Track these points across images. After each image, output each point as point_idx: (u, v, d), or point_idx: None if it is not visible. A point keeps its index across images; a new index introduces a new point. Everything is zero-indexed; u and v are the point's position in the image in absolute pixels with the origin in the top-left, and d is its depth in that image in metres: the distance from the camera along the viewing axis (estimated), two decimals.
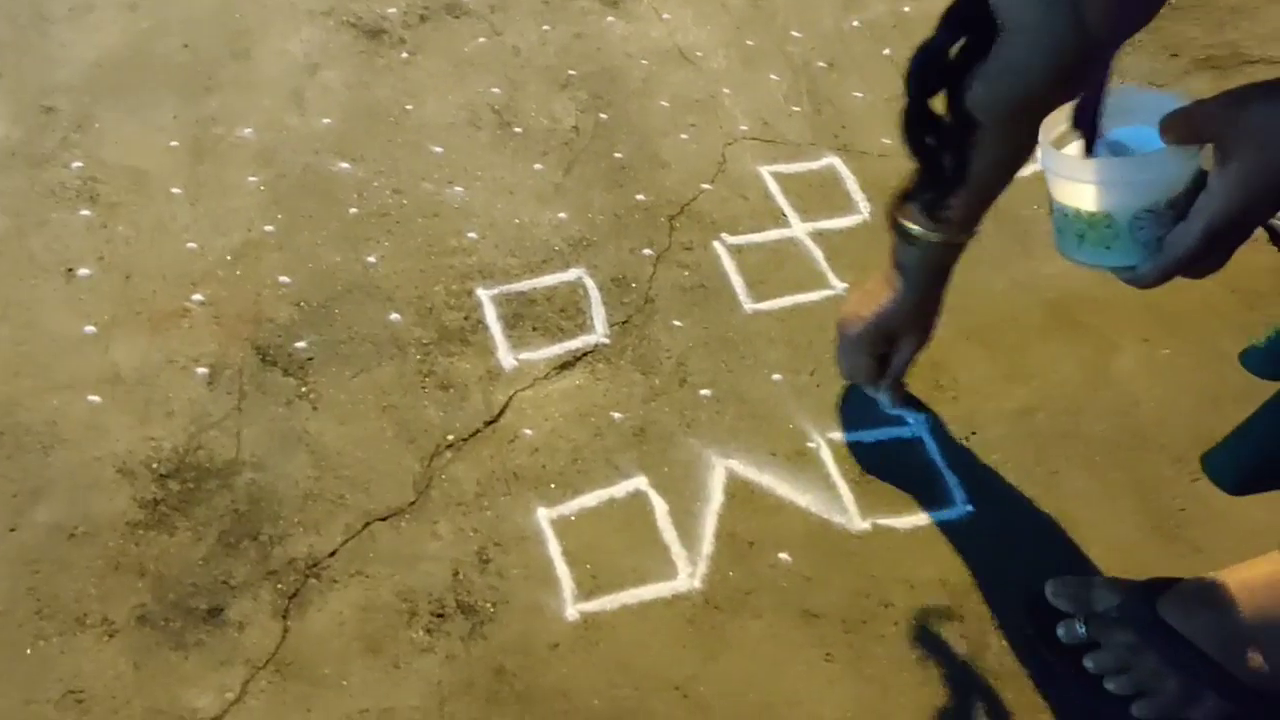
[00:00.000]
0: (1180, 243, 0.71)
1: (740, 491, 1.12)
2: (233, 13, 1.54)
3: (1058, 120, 0.77)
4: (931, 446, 1.16)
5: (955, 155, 0.86)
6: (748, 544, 1.08)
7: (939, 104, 0.84)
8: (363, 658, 0.99)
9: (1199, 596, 0.96)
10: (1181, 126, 0.69)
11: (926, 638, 1.03)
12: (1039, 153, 0.77)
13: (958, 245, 1.02)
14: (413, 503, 1.09)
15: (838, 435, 1.16)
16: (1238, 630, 0.94)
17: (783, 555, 1.08)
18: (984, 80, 0.81)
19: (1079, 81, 0.86)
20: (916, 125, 0.85)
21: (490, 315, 1.24)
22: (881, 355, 1.12)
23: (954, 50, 0.80)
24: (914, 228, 0.99)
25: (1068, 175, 0.74)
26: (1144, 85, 0.75)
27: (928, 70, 0.81)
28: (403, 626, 1.01)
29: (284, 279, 1.25)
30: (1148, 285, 0.76)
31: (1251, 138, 0.66)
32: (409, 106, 1.45)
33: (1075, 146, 0.76)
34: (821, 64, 1.53)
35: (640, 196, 1.37)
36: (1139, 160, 0.72)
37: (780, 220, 1.36)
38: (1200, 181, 0.71)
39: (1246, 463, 0.79)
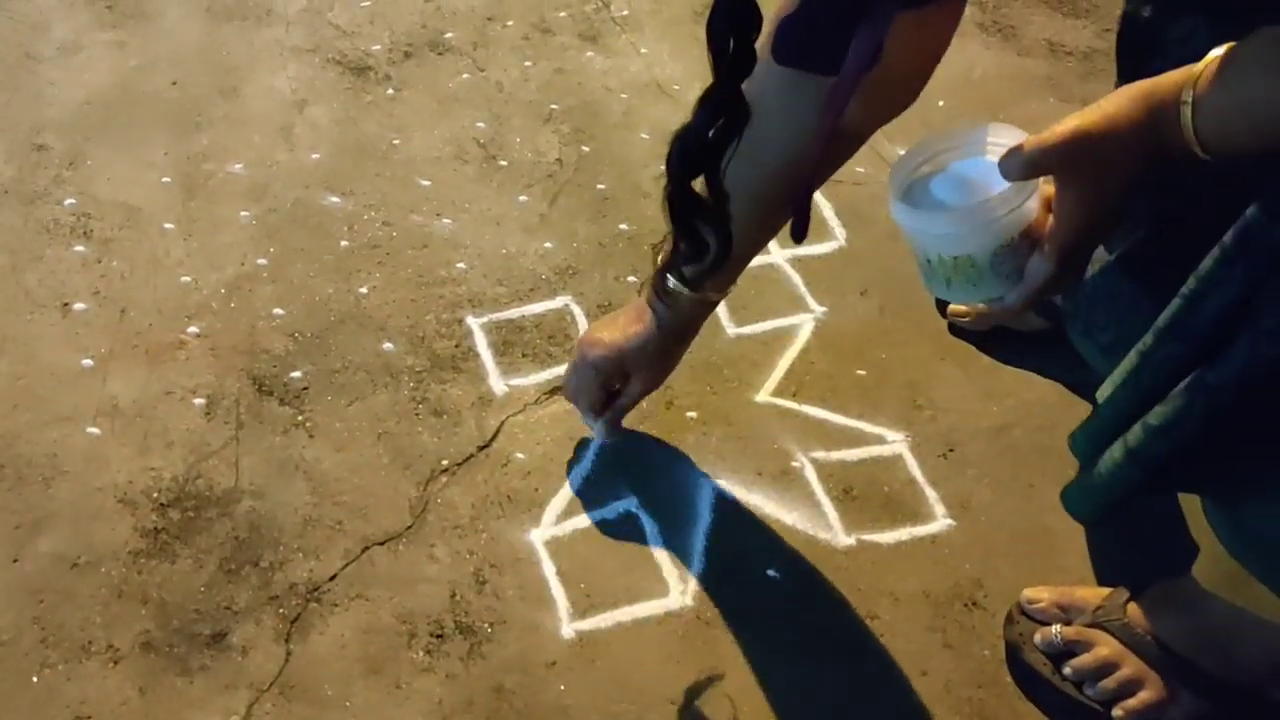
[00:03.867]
0: (1038, 270, 0.76)
1: (728, 511, 1.15)
2: (220, 51, 1.58)
3: (900, 175, 0.82)
4: (912, 463, 1.20)
5: (718, 232, 0.89)
6: (737, 561, 1.12)
7: (700, 185, 0.86)
8: (365, 679, 1.01)
9: (1169, 598, 1.00)
10: (1021, 166, 0.74)
11: (912, 649, 1.06)
12: (892, 210, 0.81)
13: (712, 304, 1.07)
14: (409, 527, 1.11)
15: (821, 454, 1.20)
16: (1208, 628, 0.98)
17: (771, 571, 1.11)
18: (735, 159, 0.85)
19: (829, 163, 0.95)
20: (679, 205, 0.87)
21: (481, 343, 1.27)
22: (609, 390, 1.14)
23: (711, 132, 0.83)
24: (672, 283, 1.02)
25: (924, 229, 0.79)
26: (970, 121, 0.81)
27: (688, 152, 0.84)
28: (403, 648, 1.03)
29: (278, 311, 1.28)
30: (1016, 313, 0.82)
31: (1086, 167, 0.72)
32: (396, 141, 1.48)
33: (922, 192, 0.81)
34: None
35: (624, 226, 1.41)
36: (988, 204, 0.77)
37: None
38: (1046, 206, 0.76)
39: (1094, 501, 0.85)
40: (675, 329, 1.08)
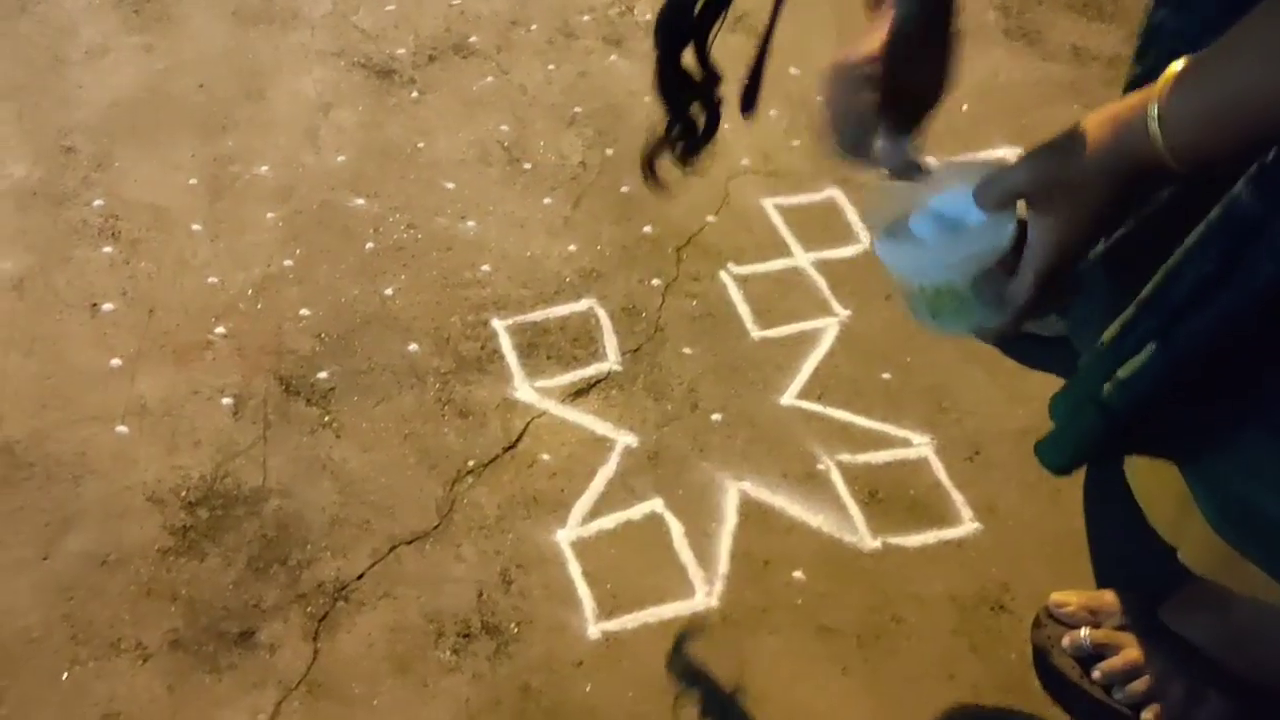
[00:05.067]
0: (1018, 295, 0.76)
1: (754, 513, 1.15)
2: (246, 54, 1.59)
3: (880, 214, 0.83)
4: (938, 466, 1.19)
5: (706, 106, 0.89)
6: (762, 563, 1.12)
7: (688, 58, 0.85)
8: (392, 677, 1.01)
9: (1199, 600, 1.00)
10: (995, 195, 0.75)
11: (938, 653, 1.06)
12: (875, 248, 0.82)
13: None
14: (436, 526, 1.12)
15: (846, 457, 1.20)
16: (1238, 630, 0.97)
17: (797, 574, 1.11)
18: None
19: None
20: (668, 80, 0.86)
21: (506, 344, 1.28)
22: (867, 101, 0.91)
23: (698, 6, 0.82)
24: None
25: (906, 264, 0.80)
26: (948, 158, 0.82)
27: (674, 25, 0.84)
28: (430, 647, 1.04)
29: (304, 311, 1.28)
30: (1002, 337, 0.83)
31: (1057, 194, 0.72)
32: (420, 144, 1.49)
33: (903, 230, 0.81)
34: (820, 99, 1.58)
35: (647, 229, 1.41)
36: (966, 236, 0.78)
37: (784, 250, 1.40)
38: (1022, 233, 0.76)
39: (1063, 451, 0.85)
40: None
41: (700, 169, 0.97)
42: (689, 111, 0.90)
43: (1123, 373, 0.78)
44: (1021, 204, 0.75)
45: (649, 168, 0.95)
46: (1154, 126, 0.67)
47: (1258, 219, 0.70)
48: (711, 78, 0.87)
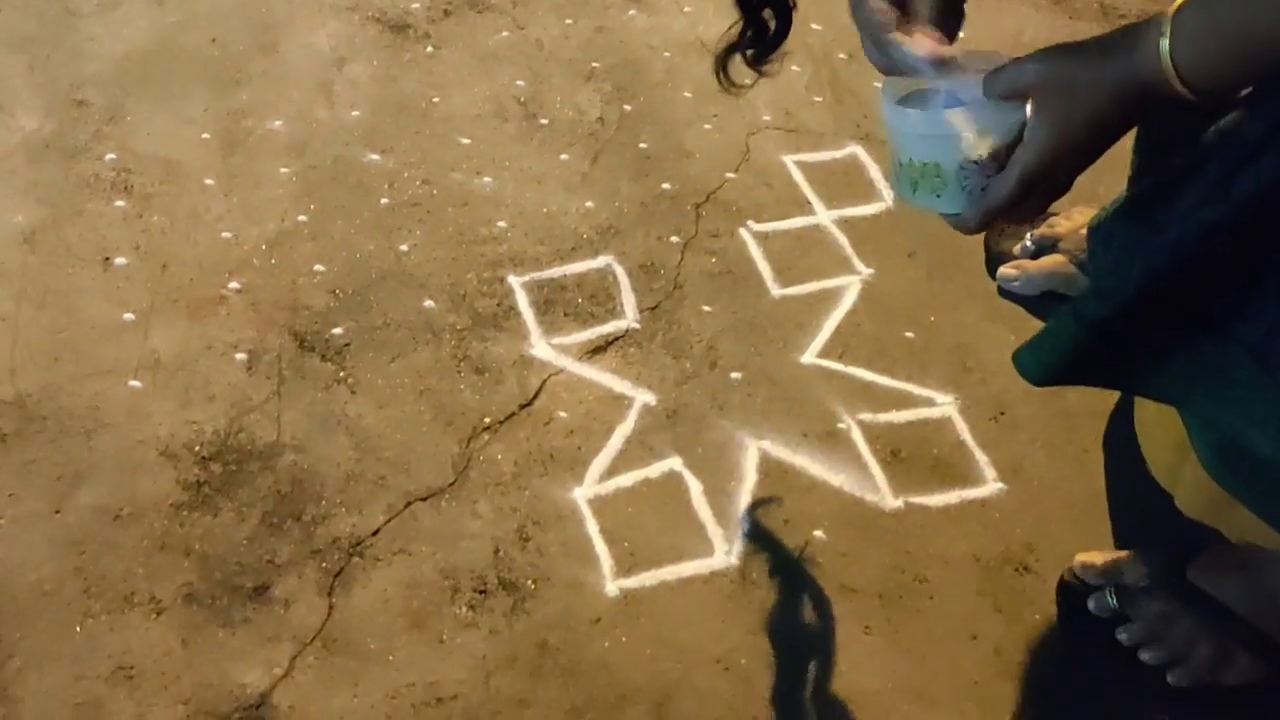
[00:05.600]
0: (997, 191, 0.76)
1: (773, 471, 1.14)
2: (259, 7, 1.56)
3: (901, 81, 0.82)
4: (961, 426, 1.18)
5: (779, 12, 0.93)
6: (783, 522, 1.10)
7: None
8: (408, 633, 1.00)
9: (1229, 559, 0.98)
10: (1000, 83, 0.75)
11: (961, 612, 1.05)
12: (881, 110, 0.82)
13: None
14: (452, 483, 1.10)
15: (868, 416, 1.18)
16: (1266, 589, 0.96)
17: (818, 533, 1.09)
18: None
19: None
20: None
21: (522, 301, 1.26)
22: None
23: None
24: None
25: (901, 128, 0.80)
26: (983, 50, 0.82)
27: None
28: (446, 603, 1.02)
29: (319, 267, 1.27)
30: (971, 231, 0.82)
31: (1059, 93, 0.72)
32: (436, 99, 1.47)
33: (916, 103, 0.81)
34: (842, 55, 1.55)
35: (666, 185, 1.39)
36: (961, 114, 0.78)
37: (805, 208, 1.38)
38: (1021, 132, 0.76)
39: (1040, 360, 0.84)
40: None
41: (770, 72, 0.99)
42: (762, 15, 0.92)
43: (1102, 283, 0.77)
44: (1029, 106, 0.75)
45: (722, 70, 0.99)
46: (1164, 44, 0.66)
47: (1256, 142, 0.68)
48: None
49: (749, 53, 0.99)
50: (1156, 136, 0.88)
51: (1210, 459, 0.85)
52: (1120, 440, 1.16)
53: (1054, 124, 0.73)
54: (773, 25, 0.94)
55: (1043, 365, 0.84)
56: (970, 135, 0.77)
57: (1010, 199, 0.76)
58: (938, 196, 0.80)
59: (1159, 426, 1.02)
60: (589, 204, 1.36)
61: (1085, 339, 0.79)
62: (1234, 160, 0.68)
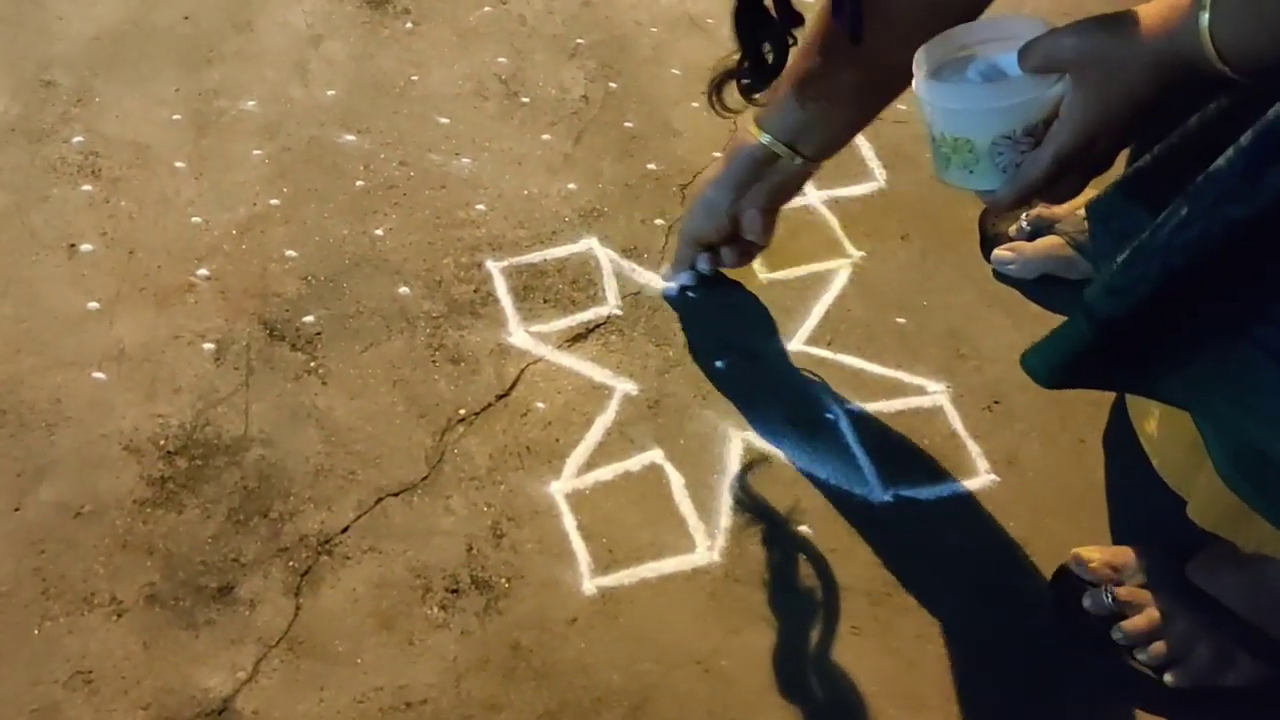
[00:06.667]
0: (1032, 168, 0.75)
1: (758, 463, 1.10)
2: None
3: (936, 51, 0.81)
4: (953, 416, 1.14)
5: (777, 47, 0.96)
6: (767, 516, 1.06)
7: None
8: (376, 635, 0.97)
9: (1227, 558, 0.94)
10: (1036, 56, 0.73)
11: (952, 610, 1.01)
12: (914, 84, 0.81)
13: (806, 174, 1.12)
14: (425, 478, 1.07)
15: (856, 406, 1.14)
16: (1267, 588, 0.93)
17: (803, 528, 1.06)
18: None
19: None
20: (745, 17, 0.94)
21: (500, 288, 1.22)
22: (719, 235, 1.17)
23: None
24: (769, 140, 1.07)
25: (934, 102, 0.79)
26: (1024, 15, 0.81)
27: None
28: (417, 603, 0.99)
29: (290, 253, 1.23)
30: (1004, 209, 0.82)
31: (1096, 68, 0.70)
32: (414, 77, 1.42)
33: (950, 75, 0.80)
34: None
35: (652, 166, 1.34)
36: (995, 89, 0.76)
37: None
38: (1058, 108, 0.74)
39: (1047, 359, 0.81)
40: (771, 191, 1.13)
41: (762, 102, 1.04)
42: (761, 49, 0.95)
43: (1115, 280, 0.74)
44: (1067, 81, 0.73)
45: (715, 96, 1.03)
46: (1204, 19, 0.64)
47: None
48: (791, 19, 0.92)
49: (744, 83, 1.00)
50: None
51: (1226, 467, 0.81)
52: (1120, 430, 1.12)
53: (1091, 101, 0.71)
54: (770, 59, 0.96)
55: (1051, 366, 0.81)
56: (1004, 109, 0.75)
57: (1046, 177, 0.74)
58: (970, 173, 0.78)
59: (1168, 427, 0.99)
60: (571, 186, 1.32)
61: (1097, 340, 0.75)
62: (1263, 154, 0.64)
